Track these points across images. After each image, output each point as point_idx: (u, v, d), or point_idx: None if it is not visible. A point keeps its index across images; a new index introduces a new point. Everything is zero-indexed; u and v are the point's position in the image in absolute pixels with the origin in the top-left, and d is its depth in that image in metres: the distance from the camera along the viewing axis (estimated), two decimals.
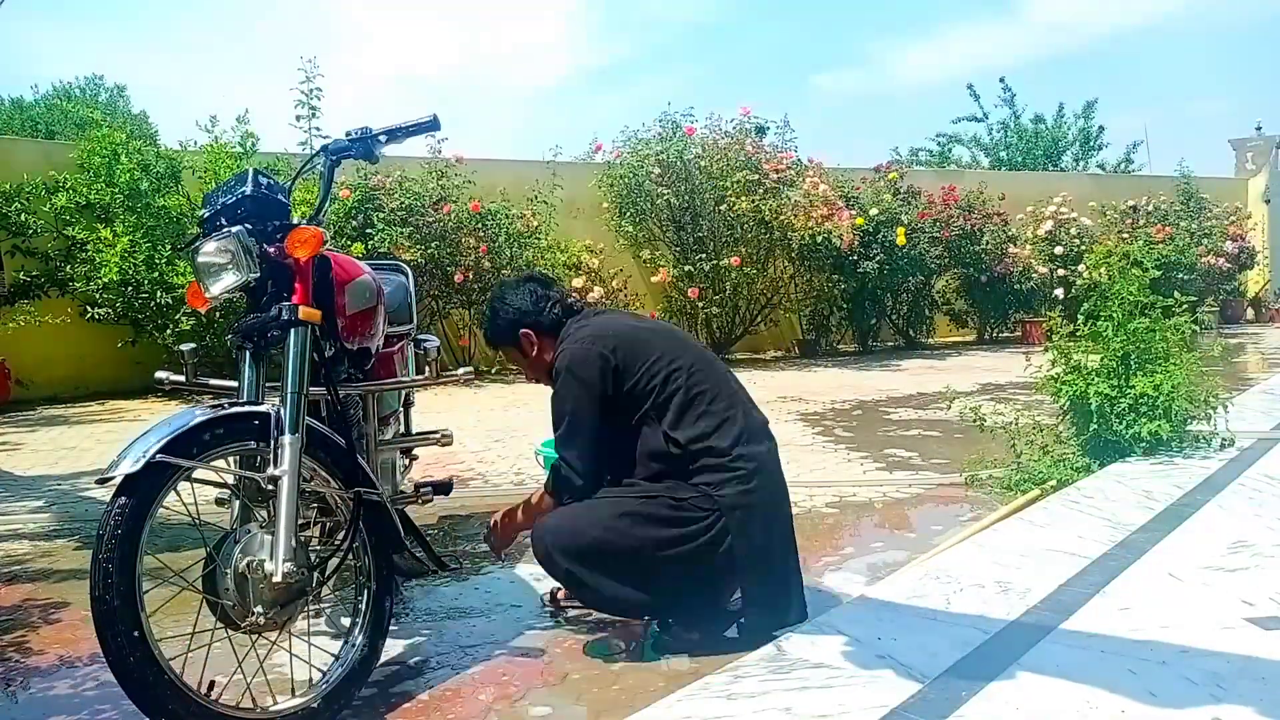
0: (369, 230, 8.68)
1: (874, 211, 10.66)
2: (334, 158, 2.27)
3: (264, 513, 1.99)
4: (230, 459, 2.01)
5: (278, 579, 1.87)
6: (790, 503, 2.48)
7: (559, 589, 2.76)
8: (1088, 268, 4.86)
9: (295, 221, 2.17)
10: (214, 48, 57.81)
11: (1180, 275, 12.39)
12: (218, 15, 60.12)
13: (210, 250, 2.07)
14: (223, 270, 2.08)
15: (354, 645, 2.10)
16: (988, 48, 50.16)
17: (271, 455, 1.95)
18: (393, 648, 2.39)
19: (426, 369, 2.70)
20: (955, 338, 12.96)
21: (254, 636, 1.99)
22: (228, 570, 1.91)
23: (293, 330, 2.05)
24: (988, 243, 11.87)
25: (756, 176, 10.04)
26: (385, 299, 2.66)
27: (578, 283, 9.55)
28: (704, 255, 10.11)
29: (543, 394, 2.65)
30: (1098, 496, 3.38)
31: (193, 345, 2.48)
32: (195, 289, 2.13)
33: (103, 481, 1.78)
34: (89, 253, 7.72)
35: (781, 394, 7.65)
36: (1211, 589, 2.42)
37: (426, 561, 2.63)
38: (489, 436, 5.61)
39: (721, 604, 2.45)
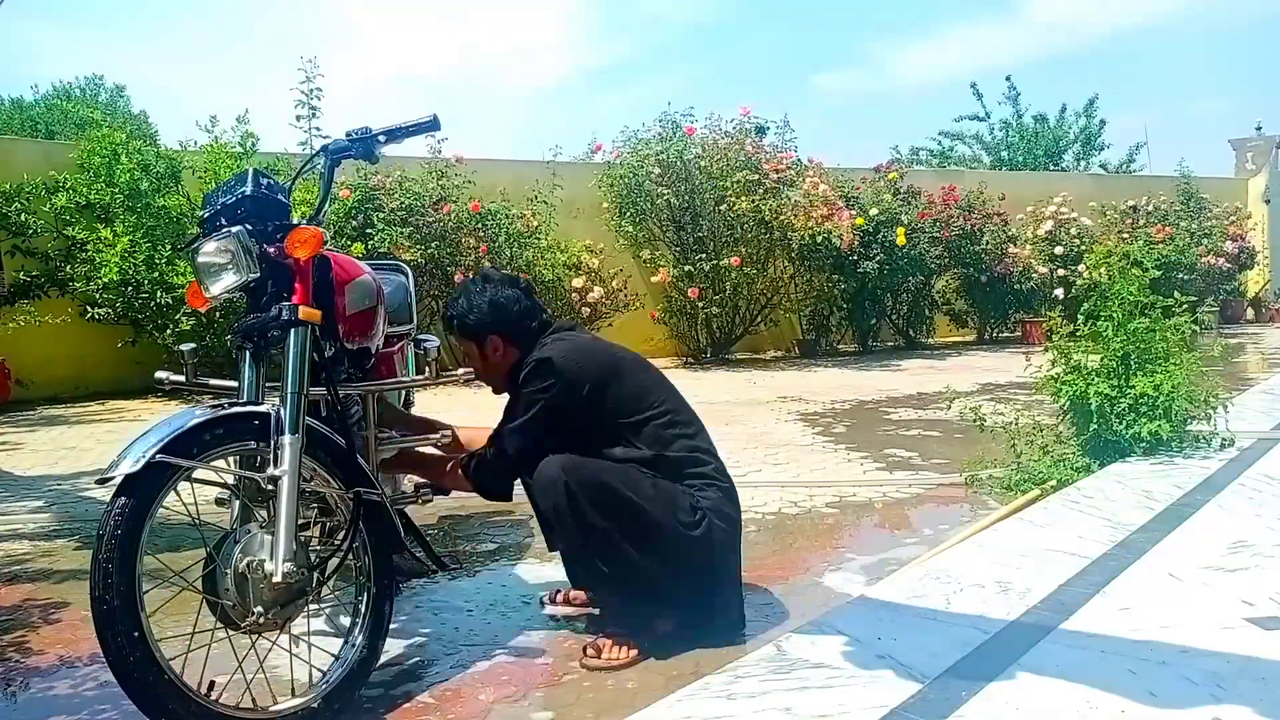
0: (369, 230, 8.68)
1: (874, 211, 10.66)
2: (334, 158, 2.27)
3: (264, 513, 1.99)
4: (230, 459, 2.02)
5: (278, 579, 1.87)
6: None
7: (559, 590, 2.76)
8: (1088, 268, 4.87)
9: (295, 221, 2.17)
10: (214, 48, 57.85)
11: (1180, 275, 12.39)
12: (218, 15, 60.12)
13: (210, 250, 2.07)
14: (223, 270, 2.08)
15: (354, 645, 2.10)
16: (988, 48, 50.16)
17: (271, 455, 1.95)
18: (393, 648, 2.39)
19: (426, 369, 2.70)
20: (955, 338, 12.96)
21: (254, 636, 1.99)
22: (228, 570, 1.91)
23: (293, 330, 2.05)
24: (988, 243, 11.87)
25: (756, 176, 10.05)
26: (385, 299, 2.66)
27: (578, 283, 9.55)
28: (704, 255, 10.11)
29: None
30: (1098, 496, 3.38)
31: (193, 345, 2.48)
32: (195, 289, 2.14)
33: (103, 481, 1.78)
34: (89, 253, 7.72)
35: (781, 394, 7.65)
36: (1211, 589, 2.42)
37: (426, 561, 2.63)
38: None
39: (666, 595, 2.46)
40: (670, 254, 10.40)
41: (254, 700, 1.92)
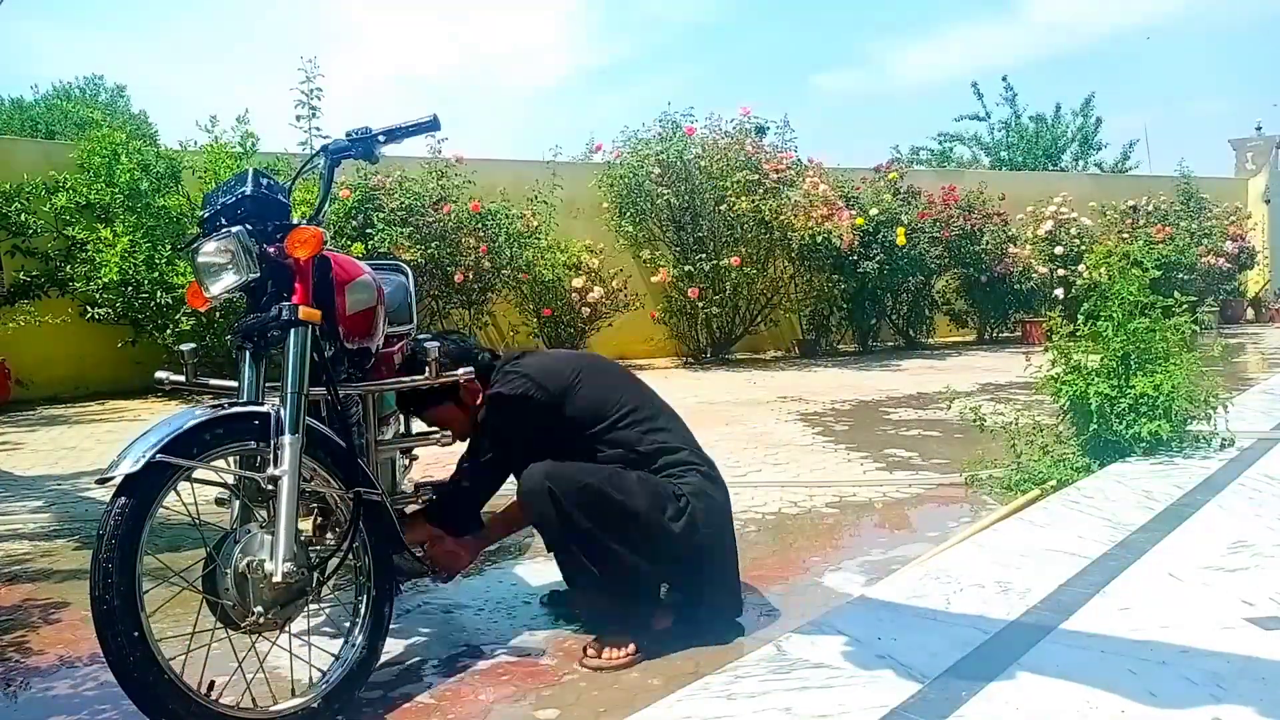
0: (369, 230, 8.68)
1: (874, 211, 10.66)
2: (334, 158, 2.27)
3: (264, 513, 1.99)
4: (230, 459, 2.01)
5: (278, 579, 1.87)
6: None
7: (559, 590, 2.76)
8: (1088, 268, 4.87)
9: (295, 221, 2.17)
10: (214, 48, 57.85)
11: (1180, 275, 12.39)
12: (218, 15, 60.12)
13: (210, 250, 2.07)
14: (223, 270, 2.08)
15: (354, 645, 2.10)
16: (988, 48, 50.17)
17: (271, 455, 1.95)
18: (393, 648, 2.39)
19: (426, 369, 2.69)
20: (955, 338, 12.96)
21: (254, 636, 1.99)
22: (228, 570, 1.91)
23: (293, 330, 2.05)
24: (988, 243, 11.87)
25: (756, 176, 10.05)
26: (385, 299, 2.66)
27: (578, 283, 9.55)
28: (704, 255, 10.12)
29: None
30: (1098, 496, 3.38)
31: (193, 345, 2.48)
32: (195, 289, 2.13)
33: (103, 481, 1.78)
34: (89, 253, 7.72)
35: (781, 394, 7.65)
36: (1211, 589, 2.42)
37: (427, 562, 2.63)
38: None
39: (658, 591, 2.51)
40: (670, 254, 10.40)
41: (254, 700, 1.92)
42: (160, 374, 2.28)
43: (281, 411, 1.98)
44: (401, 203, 8.86)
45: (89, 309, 7.81)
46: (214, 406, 1.98)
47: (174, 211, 7.83)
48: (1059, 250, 12.21)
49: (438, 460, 4.54)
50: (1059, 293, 11.50)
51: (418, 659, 2.39)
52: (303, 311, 2.06)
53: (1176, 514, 3.12)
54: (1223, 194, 15.14)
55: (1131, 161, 20.48)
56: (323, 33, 62.80)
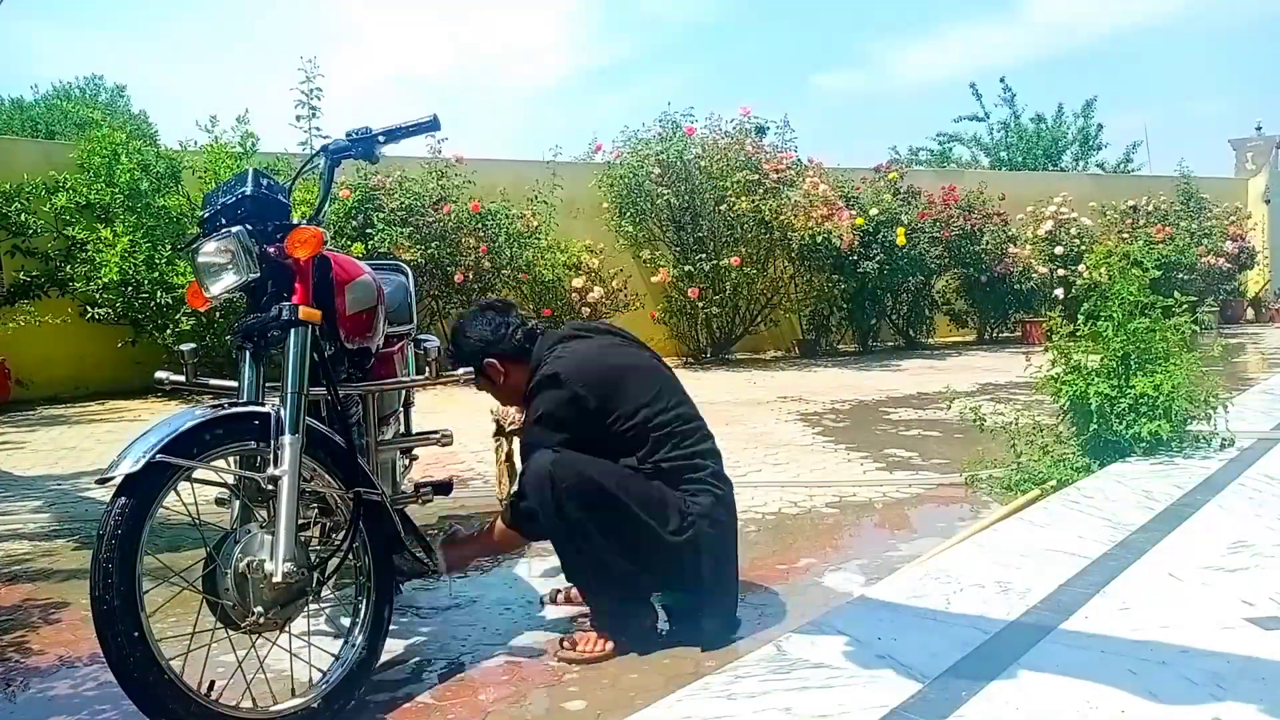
0: (369, 230, 8.68)
1: (874, 211, 10.66)
2: (334, 158, 2.27)
3: (264, 513, 1.99)
4: (230, 459, 2.01)
5: (278, 579, 1.87)
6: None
7: (559, 589, 2.76)
8: (1088, 268, 4.87)
9: (295, 221, 2.17)
10: (214, 48, 57.85)
11: (1180, 275, 12.39)
12: (218, 15, 60.14)
13: (210, 250, 2.07)
14: (223, 270, 2.08)
15: (354, 645, 2.10)
16: (988, 48, 50.19)
17: (271, 455, 1.95)
18: (393, 648, 2.39)
19: (426, 369, 2.70)
20: (955, 338, 12.96)
21: (254, 636, 1.99)
22: (228, 570, 1.91)
23: (293, 330, 2.05)
24: (988, 243, 11.86)
25: (756, 176, 10.04)
26: (385, 299, 2.66)
27: (578, 283, 9.55)
28: (704, 255, 10.11)
29: None
30: (1098, 496, 3.38)
31: (193, 345, 2.48)
32: (195, 289, 2.13)
33: (103, 481, 1.78)
34: (89, 253, 7.72)
35: (781, 394, 7.65)
36: (1211, 589, 2.42)
37: (426, 561, 2.63)
38: (489, 436, 5.59)
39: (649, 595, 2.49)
40: (670, 254, 10.40)
41: (254, 700, 1.92)
42: (160, 374, 2.28)
43: (281, 411, 1.98)
44: (401, 203, 8.86)
45: (89, 309, 7.81)
46: (214, 406, 1.98)
47: (174, 211, 7.83)
48: (1059, 250, 12.21)
49: (438, 460, 4.55)
50: (1059, 293, 11.49)
51: (418, 659, 2.39)
52: (303, 311, 2.06)
53: (1176, 514, 3.12)
54: (1223, 194, 15.13)
55: (1134, 163, 20.49)
56: (323, 33, 62.83)
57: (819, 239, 9.86)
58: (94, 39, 50.62)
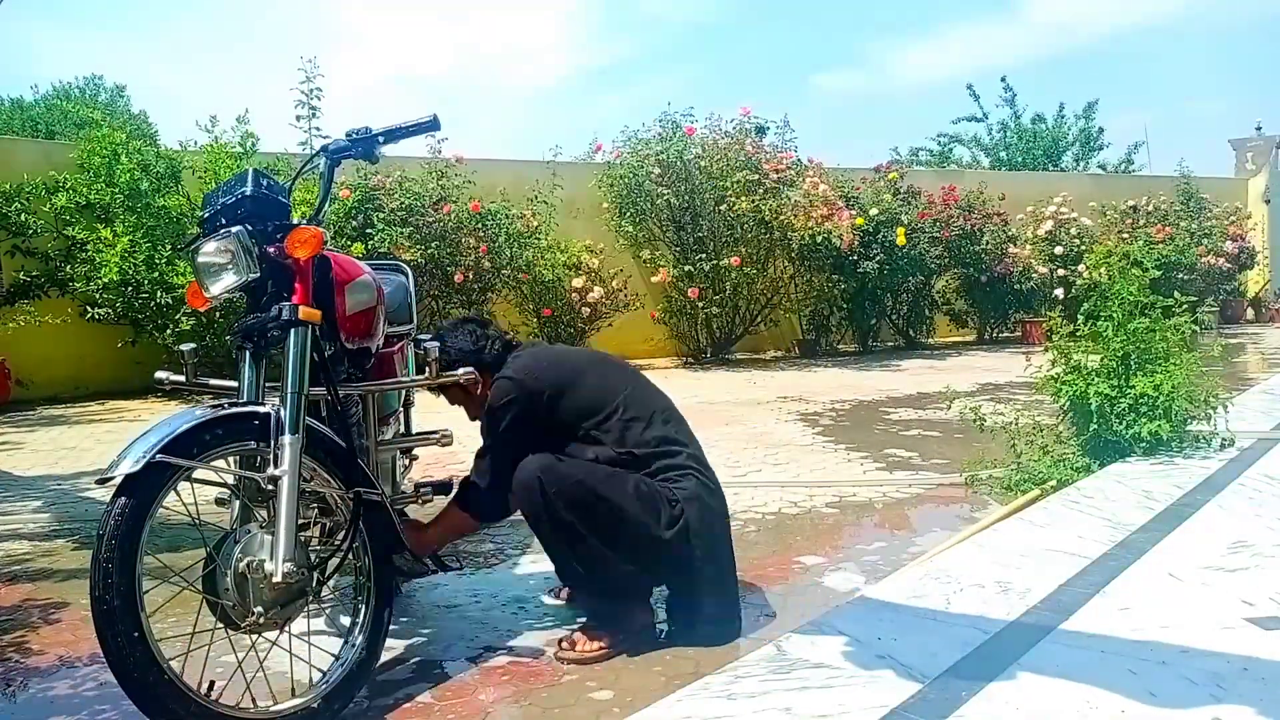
0: (369, 230, 8.68)
1: (874, 211, 10.66)
2: (334, 158, 2.27)
3: (264, 513, 1.98)
4: (230, 459, 2.01)
5: (278, 579, 1.87)
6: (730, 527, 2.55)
7: (560, 588, 2.76)
8: (1088, 268, 4.86)
9: (295, 221, 2.17)
10: (214, 48, 57.85)
11: (1180, 275, 12.39)
12: (218, 15, 60.14)
13: (210, 250, 2.07)
14: (223, 270, 2.08)
15: (354, 645, 2.10)
16: (988, 48, 50.21)
17: (271, 455, 1.95)
18: (393, 648, 2.39)
19: (426, 369, 2.70)
20: (955, 338, 12.96)
21: (254, 636, 1.99)
22: (228, 570, 1.91)
23: (293, 330, 2.05)
24: (988, 243, 11.87)
25: (756, 176, 10.05)
26: (385, 299, 2.66)
27: (578, 283, 9.55)
28: (704, 255, 10.12)
29: None
30: (1098, 496, 3.38)
31: (193, 345, 2.48)
32: (195, 289, 2.13)
33: (103, 481, 1.78)
34: (89, 253, 7.72)
35: (781, 394, 7.65)
36: (1211, 589, 2.42)
37: (427, 561, 2.63)
38: None
39: (645, 591, 2.50)
40: (670, 254, 10.40)
41: (254, 700, 1.92)
42: (160, 374, 2.28)
43: (281, 411, 1.98)
44: (401, 203, 8.86)
45: (89, 309, 7.81)
46: (214, 406, 1.98)
47: (174, 211, 7.83)
48: (1059, 250, 12.21)
49: (438, 460, 4.55)
50: (1059, 293, 11.50)
51: (418, 659, 2.39)
52: (303, 311, 2.06)
53: (1176, 514, 3.12)
54: (1223, 194, 15.13)
55: (1135, 164, 20.48)
56: (323, 33, 62.84)
57: (819, 239, 9.87)
58: (94, 39, 50.68)
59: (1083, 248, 11.55)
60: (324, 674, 2.06)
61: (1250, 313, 15.09)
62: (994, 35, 50.10)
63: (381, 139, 2.28)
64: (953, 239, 11.65)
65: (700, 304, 10.11)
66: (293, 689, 2.03)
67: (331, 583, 2.17)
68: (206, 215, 2.15)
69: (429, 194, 9.06)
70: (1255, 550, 2.71)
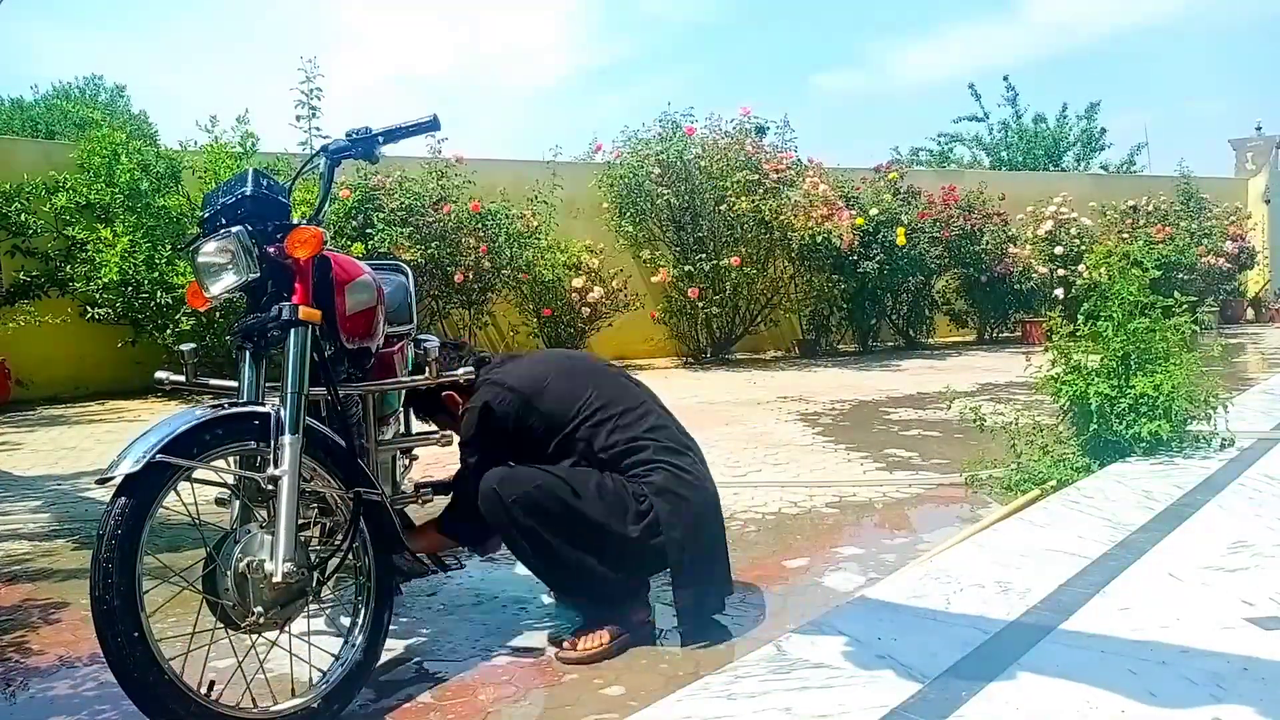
0: (369, 230, 8.68)
1: (874, 211, 10.66)
2: (334, 158, 2.27)
3: (264, 513, 1.99)
4: (230, 459, 2.01)
5: (278, 579, 1.87)
6: (720, 509, 2.54)
7: None
8: (1088, 268, 4.86)
9: (295, 221, 2.17)
10: (214, 48, 57.86)
11: (1180, 275, 12.38)
12: (218, 15, 60.15)
13: (210, 250, 2.07)
14: (223, 270, 2.08)
15: (354, 645, 2.10)
16: (988, 48, 50.24)
17: (271, 455, 1.95)
18: (393, 648, 2.39)
19: (426, 369, 2.70)
20: (955, 338, 12.96)
21: (254, 636, 1.99)
22: (228, 570, 1.91)
23: (293, 330, 2.05)
24: (988, 243, 11.86)
25: (756, 176, 10.05)
26: (385, 299, 2.66)
27: (578, 283, 9.55)
28: (704, 255, 10.12)
29: None
30: (1098, 496, 3.38)
31: (193, 345, 2.48)
32: (195, 289, 2.13)
33: (103, 481, 1.78)
34: (89, 253, 7.72)
35: (781, 394, 7.65)
36: (1211, 589, 2.42)
37: (426, 562, 2.63)
38: None
39: (635, 589, 2.51)
40: (670, 254, 10.40)
41: (254, 700, 1.92)
42: (160, 374, 2.28)
43: (281, 411, 1.98)
44: (401, 203, 8.86)
45: (89, 309, 7.82)
46: (214, 406, 1.98)
47: (174, 211, 7.83)
48: (1059, 250, 12.21)
49: (438, 460, 4.54)
50: (1059, 293, 11.49)
51: (418, 659, 2.39)
52: (303, 311, 2.06)
53: (1176, 514, 3.12)
54: (1223, 194, 15.13)
55: (1136, 164, 20.47)
56: (323, 33, 62.85)
57: (819, 239, 9.86)
58: (94, 39, 50.70)
59: (1083, 248, 11.55)
60: (324, 674, 2.06)
61: (1250, 313, 15.09)
62: (994, 35, 50.18)
63: (381, 139, 2.28)
64: (953, 239, 11.65)
65: (700, 304, 10.11)
66: (293, 689, 2.03)
67: (331, 583, 2.17)
68: (206, 215, 2.15)
69: (429, 194, 9.06)
70: (1255, 550, 2.71)
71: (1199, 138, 43.70)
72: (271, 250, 2.09)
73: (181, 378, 2.29)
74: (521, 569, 3.10)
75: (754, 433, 5.74)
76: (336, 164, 2.28)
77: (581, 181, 10.30)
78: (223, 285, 2.08)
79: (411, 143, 2.50)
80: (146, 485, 1.80)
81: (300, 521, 2.01)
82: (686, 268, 10.13)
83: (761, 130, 10.75)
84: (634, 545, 2.36)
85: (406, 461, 3.34)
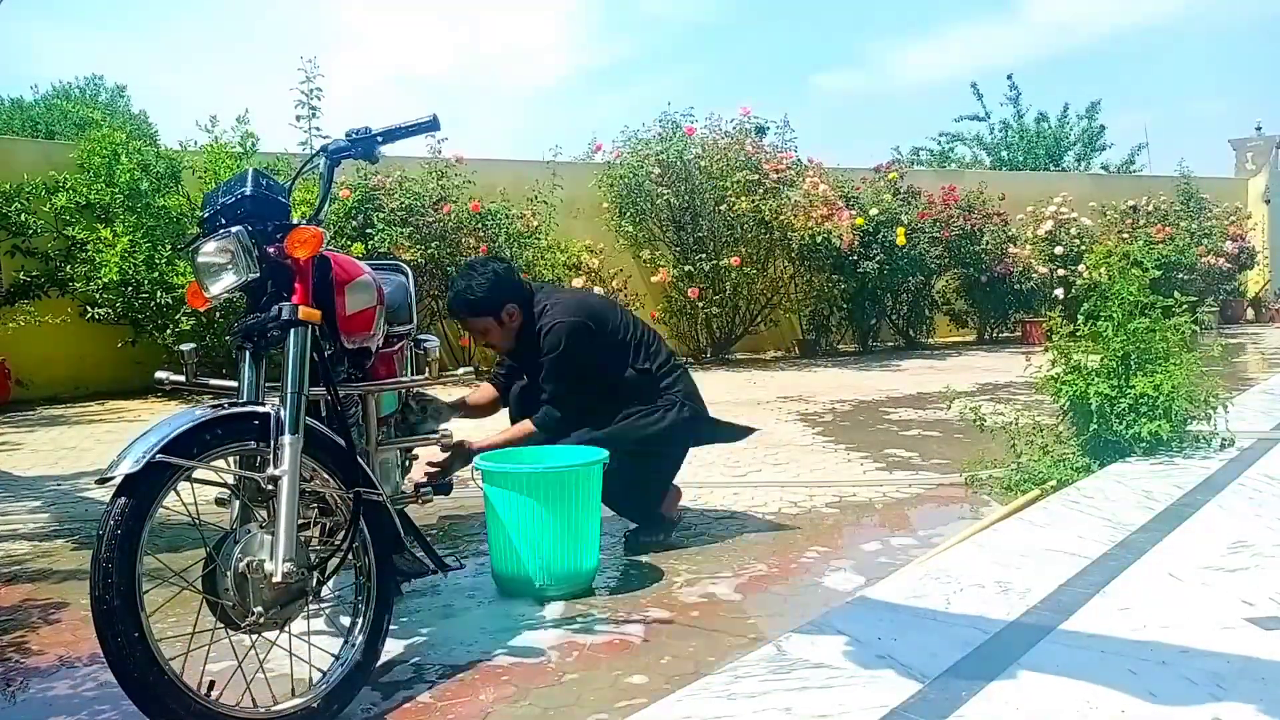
0: (369, 230, 8.68)
1: (874, 211, 10.66)
2: (334, 158, 2.27)
3: (264, 513, 1.99)
4: (230, 459, 2.01)
5: (278, 579, 1.87)
6: None
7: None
8: (1088, 268, 4.86)
9: (295, 221, 2.17)
10: (214, 48, 57.87)
11: (1180, 275, 12.38)
12: (218, 15, 60.17)
13: (210, 250, 2.07)
14: (223, 270, 2.08)
15: (354, 645, 2.10)
16: (988, 48, 50.24)
17: (271, 455, 1.95)
18: (393, 648, 2.39)
19: (426, 369, 2.70)
20: (955, 338, 12.96)
21: (254, 636, 1.99)
22: (228, 570, 1.91)
23: (293, 330, 2.05)
24: (988, 243, 11.86)
25: (756, 176, 10.04)
26: (385, 299, 2.66)
27: (578, 283, 9.54)
28: (704, 255, 10.11)
29: None
30: (1098, 496, 3.38)
31: (193, 345, 2.48)
32: (195, 289, 2.14)
33: (103, 481, 1.78)
34: (89, 253, 7.72)
35: (782, 394, 7.65)
36: (1211, 589, 2.42)
37: (427, 561, 2.63)
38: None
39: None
40: (670, 254, 10.40)
41: (254, 700, 1.92)
42: (160, 374, 2.28)
43: (281, 411, 1.98)
44: (401, 203, 8.86)
45: (89, 309, 7.81)
46: (214, 406, 1.98)
47: (174, 211, 7.83)
48: (1059, 250, 12.21)
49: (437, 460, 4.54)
50: (1059, 293, 11.48)
51: (418, 659, 2.39)
52: (303, 311, 2.06)
53: (1176, 514, 3.12)
54: (1223, 194, 15.13)
55: (1138, 165, 20.46)
56: (323, 33, 62.87)
57: (819, 239, 9.86)
58: (94, 39, 50.71)
59: (1083, 248, 11.54)
60: (324, 674, 2.06)
61: (1250, 313, 15.09)
62: (994, 35, 50.16)
63: (381, 139, 2.28)
64: (953, 239, 11.65)
65: (700, 304, 10.11)
66: (293, 689, 2.03)
67: (331, 583, 2.17)
68: (206, 215, 2.15)
69: (429, 194, 9.06)
70: (1255, 550, 2.71)
71: (1199, 138, 43.72)
72: (271, 250, 2.09)
73: (181, 378, 2.29)
74: None
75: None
76: (336, 164, 2.28)
77: (581, 181, 10.30)
78: (223, 285, 2.08)
79: (411, 143, 2.51)
80: (146, 485, 1.80)
81: (300, 521, 2.01)
82: (686, 268, 10.13)
83: (761, 130, 10.75)
84: (667, 431, 3.29)
85: (406, 461, 3.34)
